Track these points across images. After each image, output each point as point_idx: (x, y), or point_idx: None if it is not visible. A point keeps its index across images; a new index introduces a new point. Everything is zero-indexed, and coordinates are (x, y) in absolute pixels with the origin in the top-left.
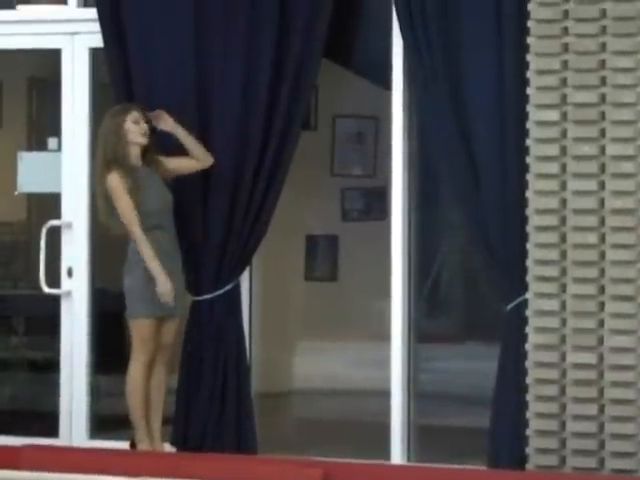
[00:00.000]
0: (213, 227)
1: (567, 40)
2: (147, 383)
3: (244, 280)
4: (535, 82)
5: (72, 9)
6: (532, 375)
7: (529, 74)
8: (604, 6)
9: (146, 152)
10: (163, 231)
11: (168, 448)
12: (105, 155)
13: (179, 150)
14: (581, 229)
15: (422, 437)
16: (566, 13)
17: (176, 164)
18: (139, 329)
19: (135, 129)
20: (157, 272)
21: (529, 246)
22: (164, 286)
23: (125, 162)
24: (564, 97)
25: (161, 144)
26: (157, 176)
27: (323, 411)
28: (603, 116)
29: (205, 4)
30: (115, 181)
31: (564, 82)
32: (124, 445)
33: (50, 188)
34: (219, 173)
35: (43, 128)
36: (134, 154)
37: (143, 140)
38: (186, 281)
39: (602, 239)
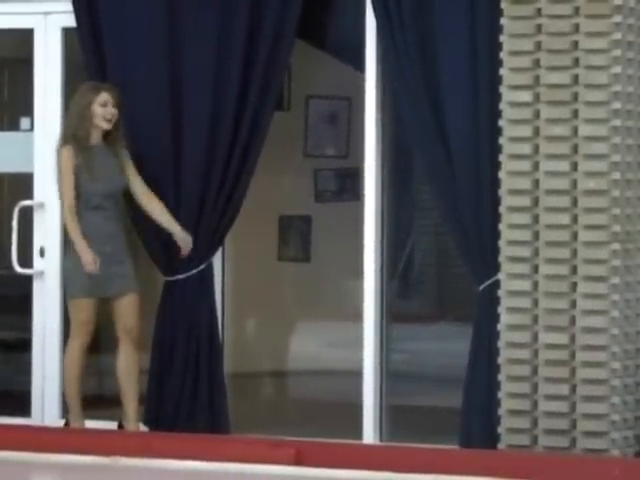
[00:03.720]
0: (186, 207)
1: (540, 21)
2: (82, 366)
3: (217, 260)
4: (508, 63)
5: None
6: (504, 355)
7: (502, 55)
8: None
9: (109, 133)
10: (106, 213)
11: (141, 428)
12: (66, 130)
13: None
14: (553, 210)
15: (394, 417)
16: None
17: (132, 180)
18: (73, 309)
19: (101, 112)
20: (80, 250)
21: (501, 227)
22: (87, 264)
23: (83, 141)
24: (537, 78)
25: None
26: (114, 159)
27: (296, 391)
28: (576, 97)
29: None
30: (65, 156)
31: (537, 63)
32: (96, 425)
33: (22, 168)
34: (192, 154)
35: (15, 108)
36: (95, 135)
37: (107, 125)
38: (158, 262)
39: (574, 220)
